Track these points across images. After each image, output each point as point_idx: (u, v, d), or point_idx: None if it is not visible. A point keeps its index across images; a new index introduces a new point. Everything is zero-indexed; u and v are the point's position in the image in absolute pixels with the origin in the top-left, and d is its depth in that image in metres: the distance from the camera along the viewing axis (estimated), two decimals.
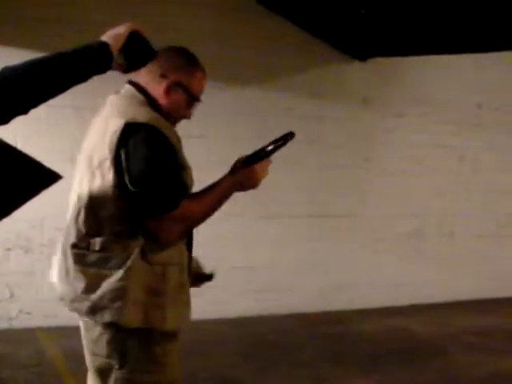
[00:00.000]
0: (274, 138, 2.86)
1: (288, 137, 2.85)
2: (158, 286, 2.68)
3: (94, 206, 2.68)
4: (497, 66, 8.80)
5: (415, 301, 8.36)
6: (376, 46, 7.81)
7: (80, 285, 2.67)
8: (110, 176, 2.63)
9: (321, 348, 6.57)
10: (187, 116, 2.90)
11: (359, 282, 8.23)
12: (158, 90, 2.80)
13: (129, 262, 2.62)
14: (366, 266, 8.30)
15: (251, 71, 7.64)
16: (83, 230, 2.70)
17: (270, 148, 2.83)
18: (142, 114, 2.66)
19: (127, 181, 2.58)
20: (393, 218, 8.43)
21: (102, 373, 2.78)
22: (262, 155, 2.83)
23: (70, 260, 2.72)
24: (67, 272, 2.72)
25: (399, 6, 6.59)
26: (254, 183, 2.82)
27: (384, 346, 6.72)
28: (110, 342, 2.71)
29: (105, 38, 2.39)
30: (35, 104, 2.20)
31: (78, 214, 2.72)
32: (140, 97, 2.80)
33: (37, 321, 6.86)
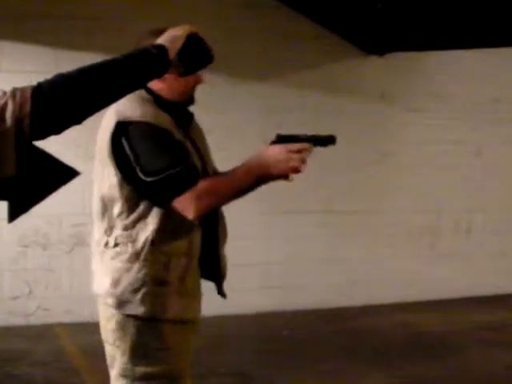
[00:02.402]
0: (316, 134, 2.67)
1: (331, 140, 2.63)
2: (162, 275, 2.72)
3: (107, 203, 2.76)
4: None
5: (430, 297, 8.32)
6: (393, 40, 7.78)
7: (107, 280, 2.75)
8: (113, 173, 2.70)
9: (336, 343, 6.58)
10: (197, 81, 2.86)
11: (374, 277, 8.21)
12: (154, 82, 2.77)
13: (143, 254, 2.69)
14: (381, 262, 8.27)
15: (265, 66, 7.62)
16: (102, 228, 2.79)
17: (308, 137, 2.62)
18: (134, 111, 2.68)
19: (142, 176, 2.61)
20: (409, 214, 8.39)
21: (110, 360, 2.83)
22: (297, 141, 2.60)
23: (97, 256, 2.83)
24: (96, 267, 2.84)
25: (415, 0, 6.57)
26: (282, 167, 2.57)
27: (398, 341, 6.71)
28: (112, 331, 2.78)
29: (162, 40, 2.33)
30: (91, 112, 2.10)
31: (98, 212, 2.79)
32: (143, 94, 2.78)
33: (55, 317, 6.89)
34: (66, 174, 2.37)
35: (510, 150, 8.91)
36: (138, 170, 2.62)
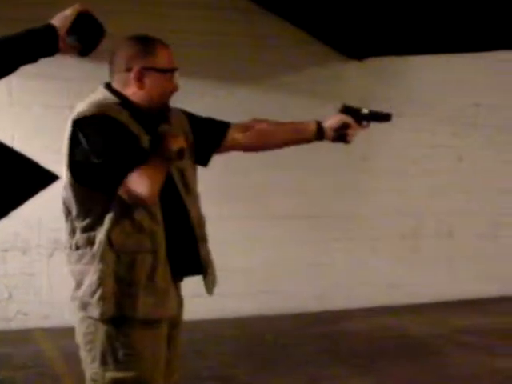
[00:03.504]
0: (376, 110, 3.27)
1: (387, 118, 3.32)
2: (127, 274, 2.71)
3: (68, 206, 2.79)
4: (495, 65, 8.79)
5: (412, 300, 8.35)
6: (373, 45, 7.81)
7: (72, 284, 2.78)
8: (69, 175, 2.72)
9: (318, 347, 6.58)
10: (174, 89, 2.86)
11: (356, 281, 8.23)
12: (130, 85, 2.79)
13: (99, 255, 2.69)
14: (363, 266, 8.29)
15: (247, 70, 7.64)
16: (67, 230, 2.81)
17: (368, 113, 3.24)
18: (89, 108, 2.69)
19: (95, 159, 2.61)
20: (390, 218, 8.42)
21: (84, 364, 2.83)
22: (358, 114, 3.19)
23: (66, 259, 2.84)
24: (67, 270, 2.83)
25: (395, 5, 6.59)
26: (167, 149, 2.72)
27: (381, 345, 6.71)
28: (84, 335, 2.78)
29: (52, 20, 2.42)
30: None
31: (64, 215, 2.82)
32: (108, 96, 2.79)
33: (35, 321, 6.86)
34: (45, 178, 2.37)
35: (490, 155, 8.96)
36: (91, 155, 2.62)
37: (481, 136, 8.89)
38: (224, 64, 7.48)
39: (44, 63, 6.93)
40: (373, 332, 7.22)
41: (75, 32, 2.45)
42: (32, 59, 2.36)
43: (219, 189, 7.10)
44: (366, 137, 8.04)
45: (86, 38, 2.49)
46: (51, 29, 2.38)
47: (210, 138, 3.09)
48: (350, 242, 8.23)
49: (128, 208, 2.68)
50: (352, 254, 8.25)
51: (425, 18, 6.67)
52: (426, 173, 8.57)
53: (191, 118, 3.08)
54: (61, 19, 2.42)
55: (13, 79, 6.53)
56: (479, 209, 8.93)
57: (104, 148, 2.60)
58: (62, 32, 2.39)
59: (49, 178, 2.39)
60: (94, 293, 2.69)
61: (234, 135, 3.14)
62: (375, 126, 8.27)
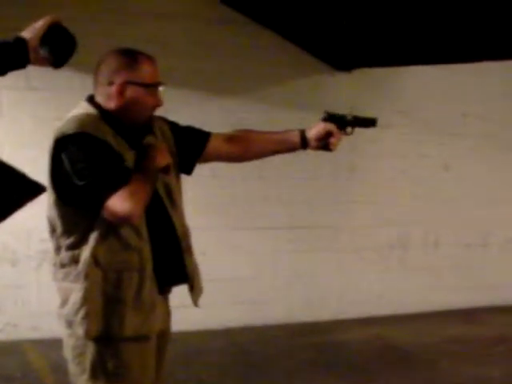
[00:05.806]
0: (360, 116, 3.24)
1: (373, 122, 3.32)
2: (115, 292, 2.71)
3: (52, 224, 2.79)
4: (482, 75, 8.83)
5: (399, 311, 8.35)
6: (360, 56, 7.84)
7: (59, 300, 2.79)
8: (52, 193, 2.72)
9: (304, 358, 6.57)
10: (157, 103, 2.84)
11: (343, 292, 8.23)
12: (113, 99, 2.77)
13: (83, 273, 2.68)
14: (350, 277, 8.30)
15: (232, 82, 7.64)
16: (53, 247, 2.83)
17: (352, 118, 3.25)
18: (70, 126, 2.68)
19: (77, 181, 2.61)
20: (377, 228, 8.43)
21: (73, 377, 2.84)
22: (342, 120, 3.22)
23: (52, 276, 2.85)
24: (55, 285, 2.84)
25: (382, 16, 6.63)
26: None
27: (367, 356, 6.71)
28: (72, 348, 2.78)
29: (23, 32, 2.41)
30: None
31: (49, 232, 2.84)
32: (89, 109, 2.79)
33: (23, 333, 6.84)
34: (33, 189, 2.38)
35: (477, 164, 9.00)
36: (73, 177, 2.62)
37: (468, 145, 8.92)
38: (211, 75, 7.49)
39: (34, 75, 6.97)
40: (359, 343, 7.21)
41: (47, 44, 2.44)
42: (1, 72, 2.35)
43: (206, 199, 7.12)
44: (352, 147, 8.18)
45: (58, 49, 2.49)
46: (21, 41, 2.37)
47: (192, 146, 3.09)
48: (338, 252, 8.24)
49: (114, 226, 2.67)
50: (339, 265, 8.25)
51: (412, 29, 6.71)
52: (412, 182, 8.59)
53: (173, 126, 3.08)
54: (32, 31, 2.41)
55: (2, 91, 6.56)
56: (466, 218, 8.95)
57: (86, 170, 2.60)
58: (33, 44, 2.39)
59: (36, 189, 2.40)
60: (77, 311, 2.69)
61: (216, 145, 3.14)
62: (362, 136, 8.31)
